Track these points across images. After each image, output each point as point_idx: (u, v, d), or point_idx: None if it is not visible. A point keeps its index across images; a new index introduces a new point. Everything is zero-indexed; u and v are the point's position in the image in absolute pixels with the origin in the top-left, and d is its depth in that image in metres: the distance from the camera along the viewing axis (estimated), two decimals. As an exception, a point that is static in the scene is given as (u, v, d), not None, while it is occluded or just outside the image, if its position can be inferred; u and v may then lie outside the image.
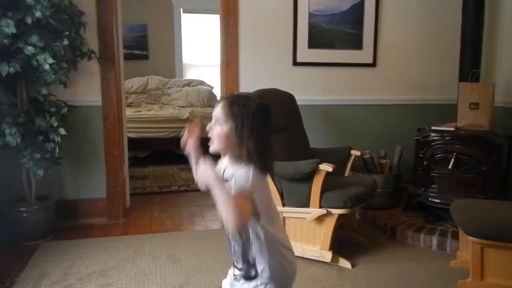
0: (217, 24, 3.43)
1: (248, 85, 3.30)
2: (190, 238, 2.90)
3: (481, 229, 2.13)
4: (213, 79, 6.26)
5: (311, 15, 3.31)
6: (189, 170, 5.19)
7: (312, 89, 3.37)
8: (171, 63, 6.46)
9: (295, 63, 3.36)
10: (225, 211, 1.16)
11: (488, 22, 3.25)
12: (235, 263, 1.40)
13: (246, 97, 1.37)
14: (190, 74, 6.58)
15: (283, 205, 2.59)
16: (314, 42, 3.34)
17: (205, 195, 4.02)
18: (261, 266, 1.33)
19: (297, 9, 3.29)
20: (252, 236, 1.32)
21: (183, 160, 5.51)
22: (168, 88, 5.92)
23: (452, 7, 3.46)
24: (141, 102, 5.76)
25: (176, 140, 5.38)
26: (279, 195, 2.58)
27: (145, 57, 6.36)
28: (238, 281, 1.39)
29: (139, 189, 4.09)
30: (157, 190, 4.10)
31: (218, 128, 1.32)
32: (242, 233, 1.32)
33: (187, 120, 5.07)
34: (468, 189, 2.93)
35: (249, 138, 1.28)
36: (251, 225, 1.30)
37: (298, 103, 3.05)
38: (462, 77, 3.24)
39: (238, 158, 1.31)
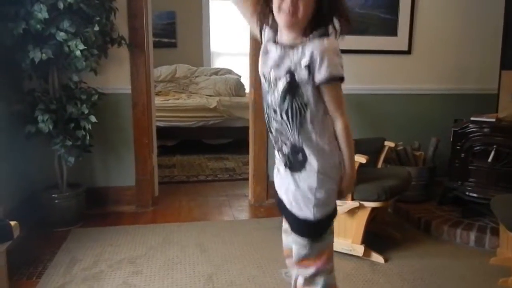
0: None
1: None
2: (218, 228, 2.88)
3: (526, 226, 2.01)
4: (241, 68, 6.20)
5: None
6: (216, 159, 5.18)
7: (348, 77, 3.26)
8: (199, 51, 6.43)
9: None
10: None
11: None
12: (282, 147, 1.39)
13: None
14: (218, 63, 6.53)
15: (314, 196, 2.52)
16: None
17: (233, 186, 4.00)
18: (309, 150, 1.34)
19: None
20: (311, 111, 1.31)
21: (211, 149, 5.52)
22: (196, 76, 5.90)
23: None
24: (169, 90, 5.76)
25: (204, 129, 5.40)
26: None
27: (174, 45, 6.35)
28: (286, 168, 1.40)
29: (167, 178, 4.10)
30: (185, 179, 4.10)
31: None
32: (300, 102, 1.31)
33: (214, 109, 5.05)
34: (509, 183, 2.78)
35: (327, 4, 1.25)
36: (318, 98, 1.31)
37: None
38: (505, 65, 3.07)
39: (311, 29, 1.26)
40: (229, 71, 6.00)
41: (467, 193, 2.91)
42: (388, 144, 2.83)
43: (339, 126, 1.33)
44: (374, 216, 2.60)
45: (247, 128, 5.02)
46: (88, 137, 2.74)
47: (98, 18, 2.63)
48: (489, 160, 2.78)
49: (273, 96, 1.33)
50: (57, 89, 2.74)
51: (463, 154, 2.93)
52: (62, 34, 2.48)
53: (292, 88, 1.28)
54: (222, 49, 6.56)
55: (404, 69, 3.43)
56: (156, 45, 4.22)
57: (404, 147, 3.21)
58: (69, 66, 2.63)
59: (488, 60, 3.34)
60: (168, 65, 5.96)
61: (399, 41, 3.32)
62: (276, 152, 1.45)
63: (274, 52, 1.33)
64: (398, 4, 3.26)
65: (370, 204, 2.37)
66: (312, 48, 1.24)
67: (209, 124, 5.08)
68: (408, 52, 3.37)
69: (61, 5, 2.43)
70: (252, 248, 2.58)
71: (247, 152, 4.92)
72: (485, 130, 2.85)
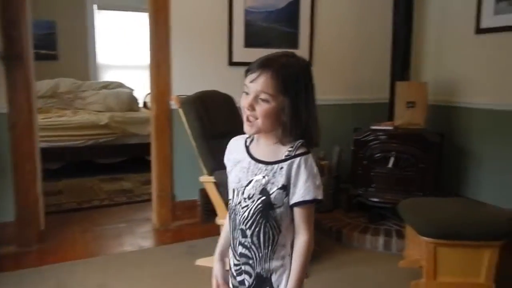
0: (135, 22, 3.10)
1: (181, 85, 3.03)
2: (121, 262, 2.55)
3: (436, 229, 2.11)
4: (133, 81, 5.83)
5: (247, 12, 3.13)
6: (111, 180, 4.66)
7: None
8: (84, 64, 5.88)
9: (231, 63, 3.15)
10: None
11: (416, 23, 3.33)
12: (244, 277, 1.18)
13: (292, 56, 1.14)
14: (107, 76, 6.04)
15: (229, 217, 2.36)
16: (251, 41, 3.16)
17: (133, 209, 3.62)
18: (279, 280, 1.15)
19: (232, 5, 3.08)
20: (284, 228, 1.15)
21: (104, 170, 4.95)
22: (83, 91, 5.35)
23: (383, 7, 3.50)
24: (50, 107, 5.13)
25: (94, 148, 4.86)
26: (225, 206, 2.35)
27: (54, 57, 5.72)
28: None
29: (54, 206, 3.58)
30: (76, 206, 3.63)
31: (264, 105, 1.08)
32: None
33: (106, 126, 4.62)
34: (407, 187, 2.96)
35: (303, 110, 1.10)
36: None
37: (237, 105, 2.85)
38: (394, 77, 3.29)
39: (286, 137, 1.11)
40: (120, 85, 5.57)
41: (370, 199, 3.02)
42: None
43: (302, 240, 1.13)
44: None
45: (143, 145, 4.73)
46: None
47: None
48: (389, 165, 2.92)
49: (241, 217, 1.15)
50: None
51: (365, 162, 3.05)
52: None
53: (266, 211, 1.12)
54: (110, 61, 6.09)
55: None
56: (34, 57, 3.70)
57: (310, 158, 3.23)
58: None
59: (379, 71, 3.55)
60: (48, 79, 5.32)
61: (300, 54, 3.32)
62: (235, 278, 1.21)
63: (246, 163, 1.17)
64: (298, 18, 3.30)
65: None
66: (290, 167, 1.10)
67: (100, 142, 4.62)
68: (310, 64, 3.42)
69: None
70: (163, 281, 2.32)
71: (145, 170, 4.61)
72: (384, 137, 3.00)
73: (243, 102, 1.12)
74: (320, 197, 1.11)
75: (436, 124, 3.31)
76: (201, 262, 2.49)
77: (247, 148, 1.19)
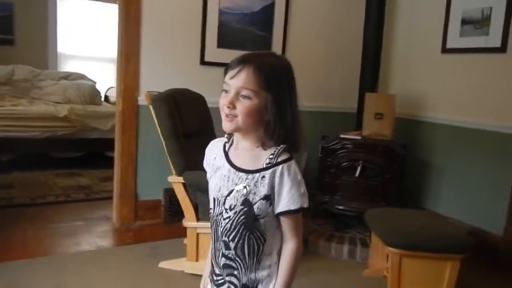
0: (100, 12, 2.97)
1: (149, 82, 2.94)
2: (79, 262, 2.42)
3: (402, 240, 2.15)
4: (96, 74, 5.61)
5: (221, 12, 3.08)
6: (67, 176, 4.45)
7: (220, 91, 3.12)
8: (43, 52, 5.59)
9: (203, 62, 3.09)
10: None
11: (386, 38, 3.42)
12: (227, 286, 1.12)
13: (274, 55, 1.11)
14: (67, 67, 5.78)
15: (198, 219, 2.30)
16: (224, 41, 3.11)
17: (91, 207, 3.48)
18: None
19: (206, 3, 3.02)
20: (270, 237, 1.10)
21: (59, 164, 4.73)
22: (40, 80, 5.08)
23: (355, 20, 3.56)
24: (4, 95, 4.83)
25: (51, 141, 4.64)
26: (194, 208, 2.29)
27: (10, 42, 5.39)
28: None
29: (3, 200, 3.36)
30: (29, 201, 3.41)
31: (246, 102, 1.02)
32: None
33: (65, 118, 4.40)
34: (371, 196, 3.01)
35: (285, 110, 1.04)
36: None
37: (208, 105, 2.79)
38: (363, 88, 3.35)
39: (268, 139, 1.05)
40: (82, 76, 5.34)
41: (335, 206, 3.05)
42: (267, 161, 2.78)
43: (291, 247, 1.09)
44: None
45: (103, 140, 4.57)
46: None
47: None
48: (356, 174, 2.96)
49: (223, 228, 1.09)
50: None
51: (332, 169, 3.08)
52: None
53: (250, 222, 1.07)
54: (72, 51, 5.84)
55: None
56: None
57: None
58: None
59: (349, 82, 3.60)
60: (3, 65, 5.01)
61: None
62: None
63: (226, 171, 1.11)
64: (272, 23, 3.29)
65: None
66: (273, 175, 1.05)
67: (57, 135, 4.40)
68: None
69: None
70: (125, 283, 2.22)
71: (104, 167, 4.45)
72: (352, 146, 3.04)
73: (222, 101, 1.05)
74: (305, 205, 1.07)
75: (399, 136, 3.39)
76: (164, 264, 2.40)
77: (226, 154, 1.13)
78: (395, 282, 2.18)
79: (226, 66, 1.07)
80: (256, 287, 1.10)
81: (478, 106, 3.08)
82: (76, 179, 4.11)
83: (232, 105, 1.02)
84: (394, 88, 3.54)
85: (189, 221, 2.30)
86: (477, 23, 3.04)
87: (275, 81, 1.04)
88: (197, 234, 2.30)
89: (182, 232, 2.55)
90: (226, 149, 1.14)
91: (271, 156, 1.06)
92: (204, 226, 2.27)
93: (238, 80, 1.02)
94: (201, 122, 2.64)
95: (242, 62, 1.03)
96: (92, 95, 4.96)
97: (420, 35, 3.50)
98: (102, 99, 5.30)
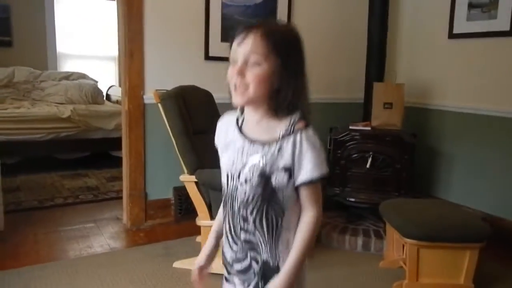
0: (97, 10, 2.93)
1: (154, 79, 2.90)
2: (92, 265, 2.39)
3: (419, 231, 2.12)
4: (97, 73, 5.57)
5: (224, 5, 3.02)
6: (73, 177, 4.42)
7: (225, 86, 3.09)
8: (42, 52, 5.53)
9: (207, 57, 3.04)
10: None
11: (390, 27, 3.36)
12: (250, 263, 1.09)
13: (280, 21, 1.09)
14: (67, 66, 5.72)
15: (211, 218, 2.27)
16: (228, 35, 3.04)
17: (100, 208, 3.45)
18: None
19: (209, -4, 2.97)
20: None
21: (65, 165, 4.69)
22: (41, 81, 5.03)
23: (359, 8, 3.50)
24: (5, 97, 4.79)
25: (55, 143, 4.60)
26: (207, 207, 2.26)
27: (8, 43, 5.33)
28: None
29: (12, 205, 3.33)
30: (37, 204, 3.39)
31: (256, 69, 0.97)
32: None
33: (68, 119, 4.36)
34: (383, 187, 2.98)
35: (296, 76, 1.00)
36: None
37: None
38: (369, 77, 3.31)
39: (280, 107, 1.01)
40: (83, 76, 5.29)
41: (347, 198, 3.02)
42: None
43: (310, 215, 1.04)
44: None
45: (108, 140, 4.54)
46: None
47: None
48: (367, 166, 2.93)
49: (240, 202, 1.06)
50: None
51: (343, 161, 3.04)
52: None
53: (267, 195, 1.03)
54: (71, 50, 5.78)
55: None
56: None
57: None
58: None
59: (355, 72, 3.55)
60: (2, 67, 4.96)
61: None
62: (232, 265, 1.12)
63: (240, 144, 1.06)
64: (276, 15, 3.23)
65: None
66: (291, 145, 1.00)
67: (61, 136, 4.37)
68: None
69: None
70: (140, 285, 2.20)
71: (110, 166, 4.43)
72: (362, 137, 3.00)
73: (230, 72, 1.01)
74: (325, 172, 1.02)
75: (408, 125, 3.36)
76: (179, 264, 2.38)
77: (239, 127, 1.08)
78: (413, 273, 2.17)
79: (231, 35, 1.02)
80: (277, 264, 1.06)
81: (486, 92, 3.04)
82: (83, 180, 4.09)
83: (242, 74, 0.98)
84: (401, 77, 3.49)
85: (203, 219, 2.28)
86: (484, 6, 2.99)
87: (284, 45, 1.00)
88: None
89: (194, 230, 2.53)
90: (239, 122, 1.10)
91: (286, 126, 1.02)
92: (218, 225, 2.24)
93: (246, 46, 0.98)
94: (210, 119, 2.59)
95: (248, 28, 1.00)
96: (94, 94, 4.91)
97: (426, 21, 3.44)
98: (104, 98, 5.26)
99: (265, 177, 1.01)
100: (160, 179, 3.02)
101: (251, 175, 1.02)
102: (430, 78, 3.44)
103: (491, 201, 3.01)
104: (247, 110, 1.08)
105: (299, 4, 3.37)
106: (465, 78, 3.19)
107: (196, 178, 2.22)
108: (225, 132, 1.11)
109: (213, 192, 2.21)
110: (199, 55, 3.05)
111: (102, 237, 2.82)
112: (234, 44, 1.00)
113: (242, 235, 1.07)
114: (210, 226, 2.24)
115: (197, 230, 2.43)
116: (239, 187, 1.05)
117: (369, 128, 3.00)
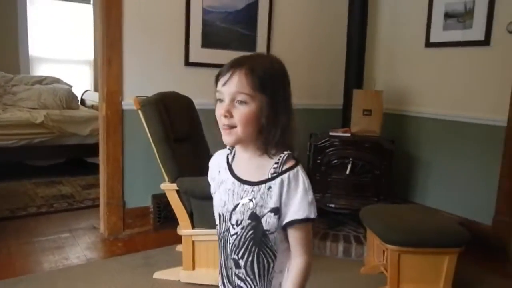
0: (71, 13, 2.86)
1: (133, 85, 2.84)
2: (69, 278, 2.32)
3: (400, 237, 2.15)
4: (71, 77, 5.44)
5: (205, 11, 3.00)
6: (47, 184, 4.30)
7: (205, 92, 3.06)
8: (14, 56, 5.36)
9: (188, 63, 3.01)
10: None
11: (369, 35, 3.41)
12: None
13: (264, 55, 1.09)
14: (40, 70, 5.56)
15: (193, 227, 2.24)
16: (208, 41, 3.04)
17: (76, 216, 3.36)
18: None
19: (190, 2, 2.94)
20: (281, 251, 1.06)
21: (38, 173, 4.56)
22: (13, 86, 4.87)
23: (339, 15, 3.54)
24: (-25, 102, 4.62)
25: (28, 149, 4.47)
26: (188, 215, 2.22)
27: (-22, 47, 5.15)
28: None
29: (-18, 214, 3.20)
30: (9, 214, 3.26)
31: (243, 108, 0.96)
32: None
33: (41, 125, 4.23)
34: (362, 193, 3.01)
35: (284, 112, 1.00)
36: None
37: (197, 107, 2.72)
38: (348, 84, 3.34)
39: (268, 145, 1.00)
40: (57, 80, 5.14)
41: (327, 204, 3.03)
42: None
43: (300, 264, 1.04)
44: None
45: (83, 146, 4.43)
46: None
47: None
48: (347, 172, 2.96)
49: (232, 245, 1.05)
50: None
51: (323, 167, 3.06)
52: None
53: (259, 238, 1.02)
54: (45, 54, 5.62)
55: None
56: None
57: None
58: None
59: (335, 79, 3.58)
60: (-28, 70, 4.79)
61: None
62: None
63: (230, 184, 1.06)
64: (257, 21, 3.24)
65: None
66: (279, 185, 1.00)
67: (34, 143, 4.23)
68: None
69: None
70: (120, 297, 2.14)
71: (85, 174, 4.32)
72: (341, 144, 3.03)
73: (218, 111, 1.00)
74: (313, 215, 1.02)
75: (387, 131, 3.41)
76: (159, 275, 2.33)
77: (229, 166, 1.08)
78: (395, 279, 2.19)
79: (217, 74, 1.02)
80: None
81: (462, 99, 3.12)
82: (57, 187, 3.97)
83: (229, 114, 0.98)
84: (380, 84, 3.55)
85: (184, 228, 2.24)
86: (460, 16, 3.07)
87: (270, 81, 0.99)
88: (193, 242, 2.23)
89: (174, 239, 2.49)
90: (229, 161, 1.09)
91: (275, 165, 1.01)
92: (200, 234, 2.22)
93: (231, 86, 0.97)
94: (191, 125, 2.57)
95: (232, 66, 0.98)
96: (68, 99, 4.79)
97: (404, 30, 3.52)
98: (79, 103, 5.13)
99: (256, 220, 1.01)
100: (139, 187, 2.96)
101: (242, 216, 1.02)
102: (407, 86, 3.51)
103: (467, 205, 3.08)
104: (237, 148, 1.07)
105: (279, 11, 3.38)
106: (441, 86, 3.26)
107: (177, 186, 2.18)
108: (217, 172, 1.11)
109: (194, 200, 2.18)
110: (179, 61, 3.01)
111: (78, 248, 2.74)
112: (220, 84, 0.99)
113: (235, 281, 1.07)
114: (192, 236, 2.23)
115: (177, 239, 2.39)
116: (230, 228, 1.05)
117: (348, 135, 3.03)
